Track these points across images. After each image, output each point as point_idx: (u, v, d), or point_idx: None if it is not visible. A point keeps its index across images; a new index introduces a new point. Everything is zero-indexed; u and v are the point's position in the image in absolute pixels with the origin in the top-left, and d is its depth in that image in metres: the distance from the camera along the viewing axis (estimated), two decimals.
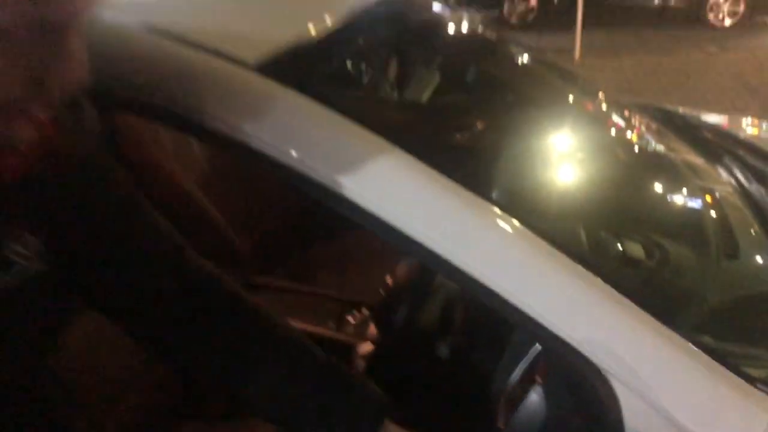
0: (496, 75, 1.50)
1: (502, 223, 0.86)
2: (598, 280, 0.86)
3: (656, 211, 1.23)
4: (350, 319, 1.70)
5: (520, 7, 9.80)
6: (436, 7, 1.79)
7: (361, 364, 1.25)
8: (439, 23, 1.53)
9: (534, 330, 0.87)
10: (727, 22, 9.01)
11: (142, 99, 0.92)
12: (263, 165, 0.90)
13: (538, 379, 0.98)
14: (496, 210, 0.88)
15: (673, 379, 0.84)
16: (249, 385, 0.90)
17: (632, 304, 0.85)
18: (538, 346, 1.01)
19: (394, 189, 0.87)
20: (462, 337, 1.14)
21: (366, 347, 1.29)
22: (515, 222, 0.87)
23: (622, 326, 0.84)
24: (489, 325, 1.09)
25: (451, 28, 1.62)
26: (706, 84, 6.66)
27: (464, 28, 1.65)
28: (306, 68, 0.96)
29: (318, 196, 0.89)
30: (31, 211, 0.74)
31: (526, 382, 1.01)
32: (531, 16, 9.80)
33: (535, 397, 1.00)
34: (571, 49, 7.86)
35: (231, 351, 0.90)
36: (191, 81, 0.89)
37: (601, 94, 1.69)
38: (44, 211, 0.75)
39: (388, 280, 1.29)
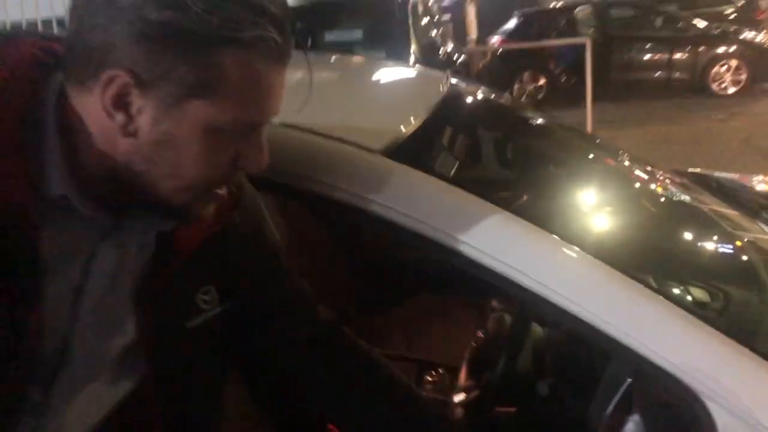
0: (552, 143, 1.71)
1: (598, 266, 1.03)
2: (684, 311, 1.01)
3: (714, 256, 1.39)
4: (428, 377, 1.83)
5: (529, 87, 10.20)
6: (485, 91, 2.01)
7: (459, 412, 1.38)
8: (497, 104, 1.74)
9: (631, 359, 1.01)
10: (731, 90, 9.35)
11: (277, 180, 1.10)
12: (389, 231, 1.08)
13: (635, 408, 1.11)
14: (590, 255, 1.04)
15: None
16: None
17: (717, 331, 0.99)
18: (629, 379, 1.15)
19: (502, 241, 1.04)
20: (554, 378, 1.28)
21: (460, 397, 1.42)
22: (607, 265, 1.03)
23: (713, 350, 0.98)
24: (579, 365, 1.23)
25: (506, 107, 1.83)
26: (717, 149, 6.88)
27: (517, 106, 1.87)
28: (418, 149, 1.16)
29: (433, 251, 1.06)
30: (209, 265, 0.90)
31: (622, 412, 1.14)
32: (540, 95, 10.18)
33: (631, 426, 1.13)
34: (582, 123, 8.14)
35: (354, 397, 1.04)
36: (331, 165, 1.08)
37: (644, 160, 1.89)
38: (218, 265, 0.91)
39: (480, 333, 1.44)
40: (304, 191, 1.10)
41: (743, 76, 9.31)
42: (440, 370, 1.84)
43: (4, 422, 0.75)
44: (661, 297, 1.01)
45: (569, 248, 1.05)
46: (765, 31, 10.19)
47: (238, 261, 0.95)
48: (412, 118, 1.25)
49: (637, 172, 1.76)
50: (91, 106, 0.72)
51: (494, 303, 1.54)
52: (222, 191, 0.82)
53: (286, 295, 1.04)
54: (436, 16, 7.21)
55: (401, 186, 1.07)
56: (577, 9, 10.39)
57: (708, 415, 0.98)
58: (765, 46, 9.44)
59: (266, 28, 0.71)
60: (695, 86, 9.51)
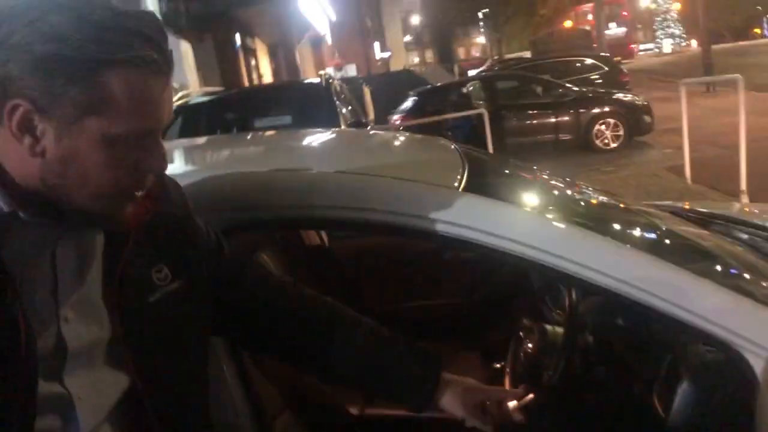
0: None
1: (639, 253, 1.31)
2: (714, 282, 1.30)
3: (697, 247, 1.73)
4: None
5: None
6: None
7: (519, 417, 1.57)
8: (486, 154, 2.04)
9: (678, 329, 1.26)
10: (613, 145, 10.31)
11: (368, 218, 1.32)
12: (466, 248, 1.30)
13: (683, 374, 1.36)
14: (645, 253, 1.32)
15: None
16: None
17: (740, 294, 1.27)
18: (670, 355, 1.40)
19: (572, 248, 1.29)
20: (607, 367, 1.52)
21: (513, 403, 1.61)
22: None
23: (741, 309, 1.25)
24: (627, 348, 1.49)
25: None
26: None
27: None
28: (476, 185, 1.41)
29: (511, 261, 1.30)
30: (156, 248, 1.02)
31: (671, 382, 1.38)
32: None
33: (680, 395, 1.36)
34: None
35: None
36: (422, 202, 1.31)
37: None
38: (163, 248, 1.03)
39: (527, 344, 1.66)
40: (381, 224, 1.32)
41: (621, 132, 10.31)
42: None
43: (27, 414, 0.84)
44: (692, 273, 1.28)
45: (632, 250, 1.32)
46: (631, 91, 11.43)
47: (180, 245, 1.06)
48: (460, 165, 1.52)
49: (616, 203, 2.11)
50: (3, 136, 0.82)
51: (525, 321, 1.77)
52: (139, 193, 0.91)
53: (231, 267, 1.18)
54: (344, 96, 7.63)
55: (480, 210, 1.31)
56: (468, 84, 11.27)
57: (749, 366, 1.24)
58: (635, 103, 10.55)
59: (142, 47, 0.81)
60: (581, 144, 10.42)
